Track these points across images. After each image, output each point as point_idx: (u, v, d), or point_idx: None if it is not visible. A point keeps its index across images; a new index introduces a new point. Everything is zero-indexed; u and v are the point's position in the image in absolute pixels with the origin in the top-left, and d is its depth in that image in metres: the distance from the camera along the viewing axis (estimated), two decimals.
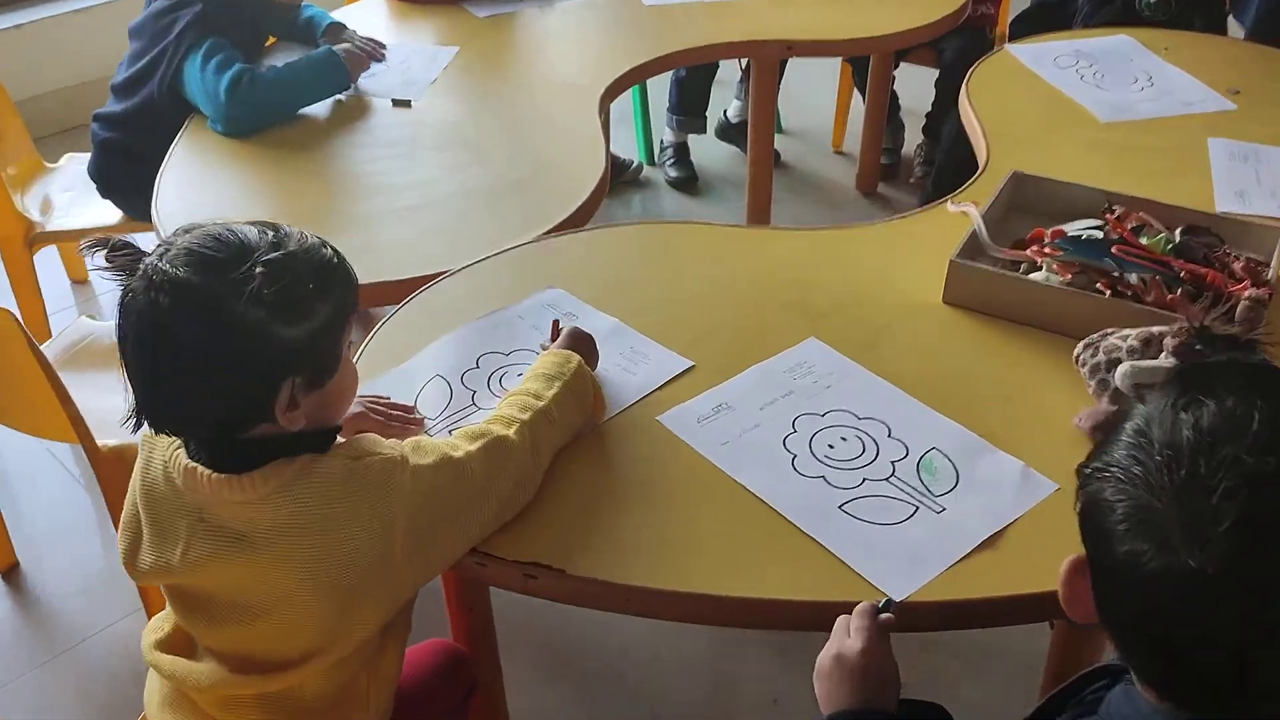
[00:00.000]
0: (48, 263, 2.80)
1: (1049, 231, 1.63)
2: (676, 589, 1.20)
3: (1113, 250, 1.54)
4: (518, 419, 1.25)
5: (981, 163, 1.98)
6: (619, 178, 3.27)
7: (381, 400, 1.42)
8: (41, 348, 2.10)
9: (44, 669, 2.00)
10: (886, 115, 3.25)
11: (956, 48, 2.93)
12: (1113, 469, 0.81)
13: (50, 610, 2.13)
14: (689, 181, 3.35)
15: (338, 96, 2.25)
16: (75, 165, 2.71)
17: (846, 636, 1.10)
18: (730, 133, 3.46)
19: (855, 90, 3.39)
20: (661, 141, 3.44)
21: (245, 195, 2.03)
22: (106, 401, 2.00)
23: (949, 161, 2.84)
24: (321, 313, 1.09)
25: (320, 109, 2.23)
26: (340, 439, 1.15)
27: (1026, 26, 2.85)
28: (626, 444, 1.38)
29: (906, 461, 1.35)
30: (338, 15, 2.55)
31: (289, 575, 1.10)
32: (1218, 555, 0.74)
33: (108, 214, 2.51)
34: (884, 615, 1.12)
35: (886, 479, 1.33)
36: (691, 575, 1.21)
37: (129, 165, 2.38)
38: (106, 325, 2.17)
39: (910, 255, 1.72)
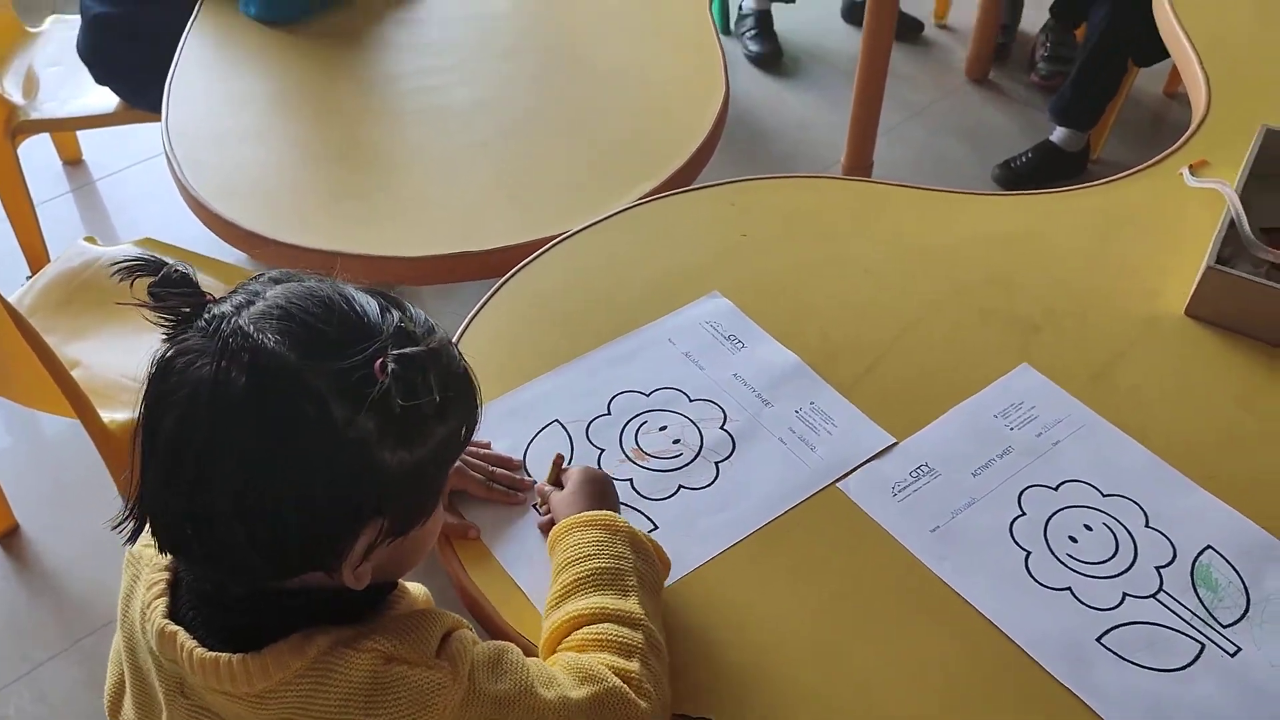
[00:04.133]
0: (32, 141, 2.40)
1: None
2: None
3: None
4: (629, 671, 0.84)
5: (1200, 106, 1.57)
6: None
7: (483, 449, 1.08)
8: (34, 282, 1.76)
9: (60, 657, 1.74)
10: None
11: None
12: None
13: (57, 585, 1.85)
14: (773, 58, 2.90)
15: None
16: (62, 32, 2.28)
17: None
18: (858, 13, 2.98)
19: None
20: (741, 8, 2.97)
21: (273, 101, 1.63)
22: (115, 358, 1.66)
23: (1096, 57, 2.39)
24: (438, 438, 0.75)
25: None
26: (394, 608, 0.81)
27: None
28: (795, 531, 1.05)
29: (1176, 569, 1.03)
30: None
31: None
32: None
33: (104, 99, 2.11)
34: None
35: (1153, 595, 1.01)
36: None
37: (127, 44, 1.97)
38: (113, 251, 1.81)
39: (1130, 240, 1.35)
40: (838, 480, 1.08)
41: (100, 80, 2.05)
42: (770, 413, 1.14)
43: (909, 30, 2.99)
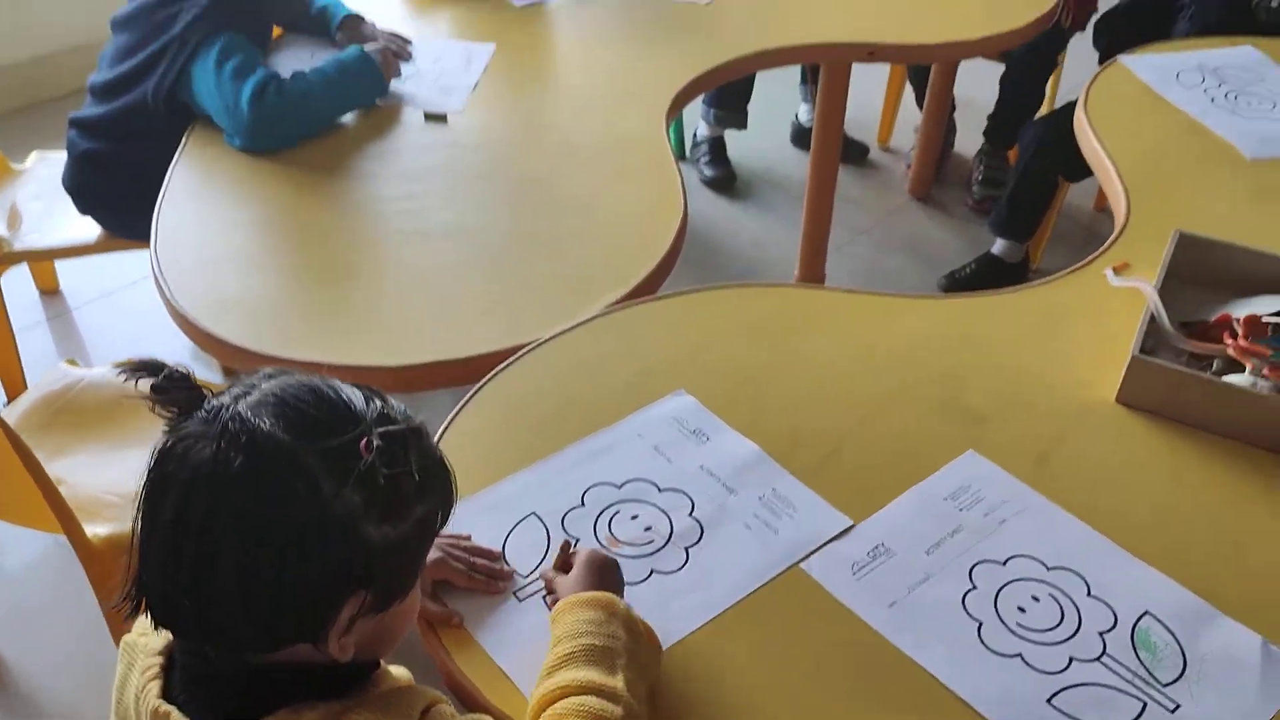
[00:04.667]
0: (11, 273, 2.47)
1: (1239, 318, 1.38)
2: None
3: None
4: None
5: (1121, 214, 1.71)
6: None
7: (463, 541, 1.14)
8: (15, 405, 1.81)
9: None
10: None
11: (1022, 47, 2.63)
12: None
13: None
14: (727, 181, 3.06)
15: (368, 106, 1.94)
16: (45, 169, 2.38)
17: None
18: (806, 138, 3.15)
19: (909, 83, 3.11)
20: (695, 135, 3.14)
21: (261, 229, 1.73)
22: (96, 475, 1.71)
23: (1027, 179, 2.56)
24: (417, 516, 0.82)
25: (344, 121, 1.92)
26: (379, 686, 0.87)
27: (1112, 26, 2.58)
28: (768, 611, 1.11)
29: (1118, 634, 1.10)
30: (352, 5, 2.22)
31: None
32: None
33: (86, 230, 2.20)
34: None
35: (1097, 659, 1.07)
36: None
37: (112, 177, 2.06)
38: (94, 373, 1.87)
39: (1064, 336, 1.46)
40: (800, 561, 1.15)
41: (84, 210, 2.14)
42: (735, 500, 1.22)
43: (855, 153, 3.16)
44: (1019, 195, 2.57)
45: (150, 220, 1.70)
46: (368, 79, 1.92)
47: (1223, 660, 1.07)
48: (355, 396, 0.82)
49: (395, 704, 0.84)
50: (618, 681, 0.94)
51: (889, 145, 3.24)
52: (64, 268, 2.67)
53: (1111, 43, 2.50)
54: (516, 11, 2.30)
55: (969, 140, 3.07)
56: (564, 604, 1.01)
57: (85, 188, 2.10)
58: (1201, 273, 1.52)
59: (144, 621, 0.85)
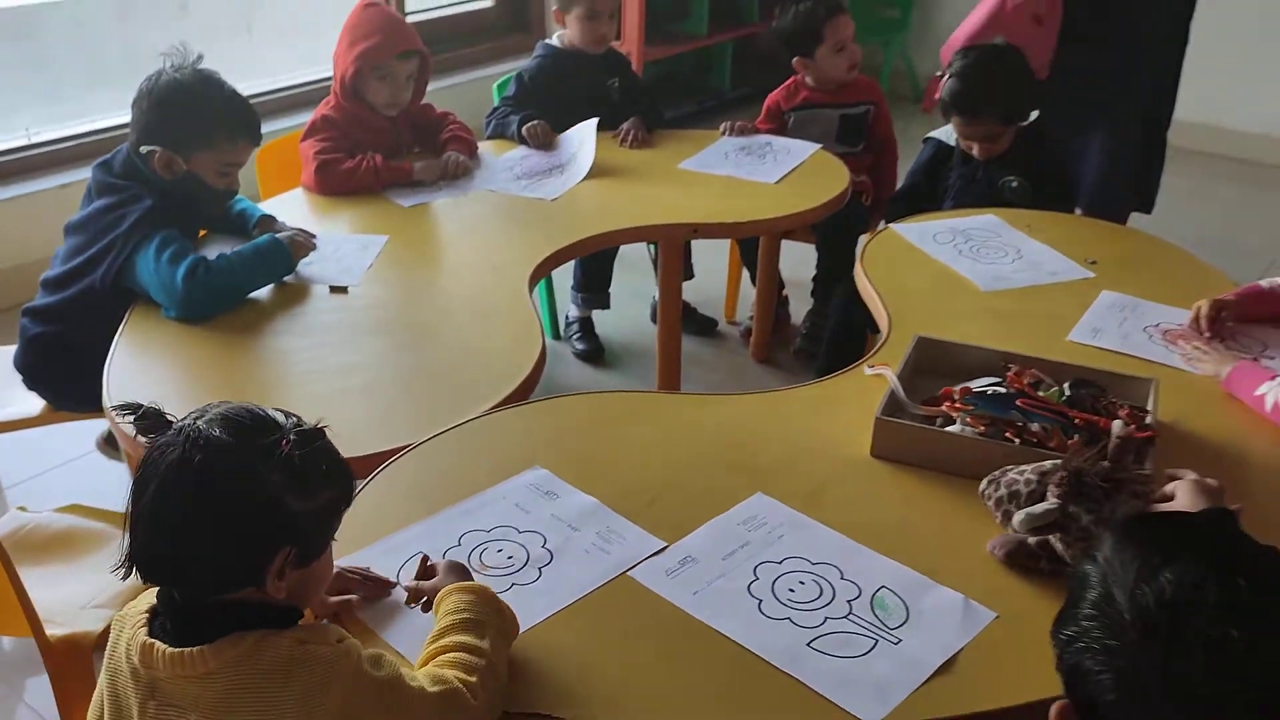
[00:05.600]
0: None
1: (957, 389, 1.83)
2: None
3: (1017, 403, 1.74)
4: (469, 680, 1.24)
5: (884, 330, 2.19)
6: None
7: (360, 569, 1.49)
8: None
9: None
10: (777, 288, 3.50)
11: (836, 220, 3.18)
12: (1089, 640, 0.94)
13: None
14: (596, 354, 3.52)
15: (280, 282, 2.35)
16: None
17: None
18: None
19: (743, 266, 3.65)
20: (567, 317, 3.61)
21: (195, 379, 2.09)
22: (52, 592, 1.99)
23: (840, 330, 3.07)
24: (326, 496, 1.22)
25: (262, 294, 2.32)
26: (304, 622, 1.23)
27: (898, 206, 3.16)
28: (607, 604, 1.47)
29: (861, 600, 1.48)
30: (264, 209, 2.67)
31: None
32: (1200, 714, 0.87)
33: (29, 405, 2.51)
34: None
35: (846, 616, 1.45)
36: (686, 709, 1.31)
37: (59, 356, 2.41)
38: (43, 516, 2.16)
39: (836, 414, 1.89)
40: (627, 570, 1.52)
41: (30, 387, 2.47)
42: (578, 535, 1.59)
43: (706, 327, 3.67)
44: (833, 344, 3.07)
45: (88, 391, 2.06)
46: (280, 259, 2.34)
47: (935, 612, 1.46)
48: (277, 415, 1.22)
49: (319, 629, 1.20)
50: (485, 644, 1.29)
51: (734, 319, 3.76)
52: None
53: (897, 217, 3.07)
54: (405, 210, 2.77)
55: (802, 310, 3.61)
56: (446, 590, 1.36)
57: (34, 366, 2.44)
58: (940, 366, 1.98)
59: (130, 602, 1.20)
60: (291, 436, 1.18)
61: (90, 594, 1.99)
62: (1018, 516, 1.51)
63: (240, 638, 1.15)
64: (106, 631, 1.84)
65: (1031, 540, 1.51)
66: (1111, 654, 0.91)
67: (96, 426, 2.87)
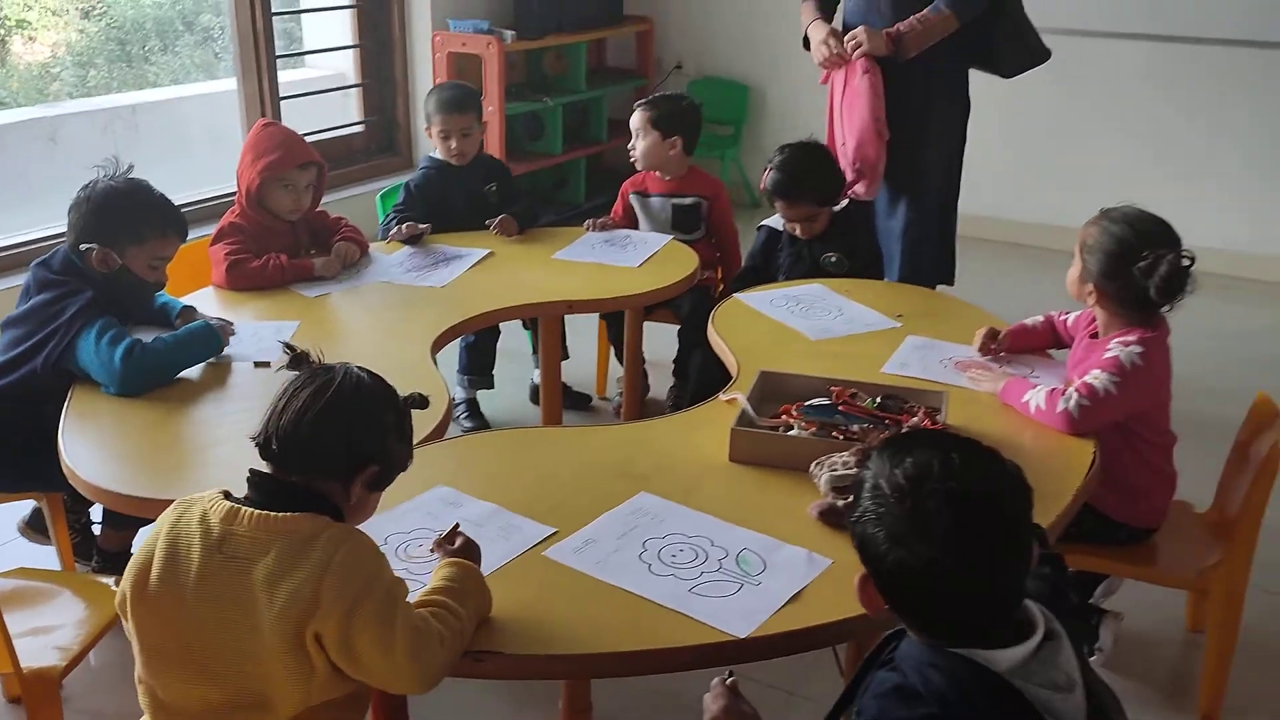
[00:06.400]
0: None
1: (795, 406, 2.28)
2: (593, 651, 1.68)
3: (840, 409, 2.20)
4: (443, 633, 1.59)
5: (735, 373, 2.64)
6: None
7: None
8: None
9: None
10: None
11: (691, 303, 3.67)
12: (867, 514, 1.37)
13: None
14: (482, 431, 3.87)
15: (209, 361, 2.66)
16: None
17: (711, 704, 1.60)
18: (538, 395, 3.92)
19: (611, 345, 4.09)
20: (453, 399, 3.96)
21: (130, 443, 2.37)
22: (16, 638, 2.21)
23: (701, 388, 3.52)
24: (406, 451, 1.70)
25: (192, 372, 2.62)
26: None
27: (741, 283, 3.65)
28: (529, 576, 1.84)
29: (729, 559, 1.88)
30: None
31: (269, 609, 1.51)
32: (939, 547, 1.30)
33: None
34: (730, 679, 1.63)
35: (718, 570, 1.85)
36: (602, 640, 1.68)
37: (8, 442, 2.63)
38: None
39: (701, 434, 2.31)
40: (539, 551, 1.89)
41: None
42: (482, 530, 1.92)
43: (580, 401, 4.07)
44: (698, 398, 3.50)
45: (29, 472, 2.41)
46: (211, 340, 2.65)
47: (785, 564, 1.87)
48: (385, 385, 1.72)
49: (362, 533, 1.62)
50: (464, 611, 1.66)
51: (604, 394, 4.17)
52: None
53: (740, 289, 3.56)
54: (309, 299, 3.11)
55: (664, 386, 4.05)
56: (448, 561, 1.74)
57: None
58: (780, 393, 2.43)
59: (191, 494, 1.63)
60: (405, 397, 1.70)
61: (52, 637, 2.22)
62: (823, 477, 1.95)
63: (314, 517, 1.56)
64: (71, 664, 2.11)
65: (840, 503, 1.94)
66: (880, 518, 1.34)
67: (19, 509, 3.06)
